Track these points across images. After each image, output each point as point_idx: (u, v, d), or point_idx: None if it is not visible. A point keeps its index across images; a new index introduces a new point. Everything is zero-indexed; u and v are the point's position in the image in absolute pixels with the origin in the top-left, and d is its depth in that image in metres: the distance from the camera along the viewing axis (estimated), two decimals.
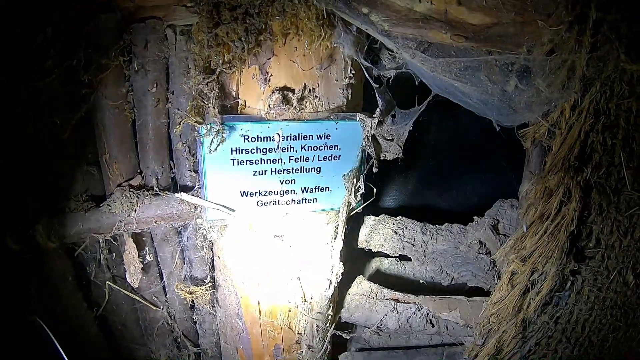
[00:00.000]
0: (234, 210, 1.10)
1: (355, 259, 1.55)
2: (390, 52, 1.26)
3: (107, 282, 1.40)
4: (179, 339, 1.57)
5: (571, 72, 1.11)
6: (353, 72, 1.13)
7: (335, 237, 1.23)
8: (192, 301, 1.49)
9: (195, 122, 0.99)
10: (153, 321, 1.51)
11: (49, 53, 1.15)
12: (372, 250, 1.47)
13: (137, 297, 1.43)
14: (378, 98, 1.16)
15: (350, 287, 1.45)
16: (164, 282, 1.45)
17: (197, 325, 1.56)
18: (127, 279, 1.33)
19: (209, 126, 0.99)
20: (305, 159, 1.11)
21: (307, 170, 1.13)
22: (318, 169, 1.14)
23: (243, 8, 0.98)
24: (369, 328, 1.44)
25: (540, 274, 1.27)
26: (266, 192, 1.12)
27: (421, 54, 1.05)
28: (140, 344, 1.59)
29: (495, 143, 1.44)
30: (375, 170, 1.22)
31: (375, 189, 1.25)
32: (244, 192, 1.10)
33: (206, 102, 1.02)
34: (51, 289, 1.42)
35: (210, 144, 1.01)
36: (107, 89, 1.19)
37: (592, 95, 1.15)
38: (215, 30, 0.99)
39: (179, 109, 1.14)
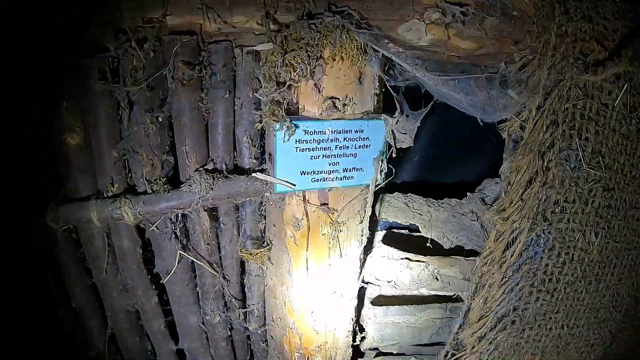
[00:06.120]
0: (295, 185, 1.68)
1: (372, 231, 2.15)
2: (402, 70, 1.86)
3: (179, 251, 1.94)
4: (230, 302, 2.12)
5: (536, 82, 1.74)
6: (378, 84, 1.73)
7: (365, 207, 1.82)
8: (243, 268, 2.06)
9: (273, 120, 1.56)
10: (210, 286, 2.05)
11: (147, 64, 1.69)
12: (389, 220, 2.08)
13: (202, 264, 1.97)
14: (397, 103, 1.76)
15: (371, 251, 2.05)
16: (222, 252, 2.00)
17: (245, 289, 2.11)
18: (201, 246, 1.88)
19: (282, 124, 1.57)
20: (346, 147, 1.69)
21: (347, 156, 1.71)
22: (355, 155, 1.72)
23: (305, 40, 1.55)
24: (389, 282, 2.03)
25: (518, 232, 1.89)
26: (318, 171, 1.68)
27: (429, 74, 1.65)
28: (194, 307, 2.13)
29: (483, 136, 2.09)
30: (394, 155, 1.82)
31: (393, 169, 1.86)
32: (303, 171, 1.66)
33: (277, 108, 1.59)
34: (122, 262, 1.96)
35: (284, 136, 1.58)
36: (190, 94, 1.73)
37: (552, 99, 1.76)
38: (285, 55, 1.56)
39: (258, 109, 1.69)
